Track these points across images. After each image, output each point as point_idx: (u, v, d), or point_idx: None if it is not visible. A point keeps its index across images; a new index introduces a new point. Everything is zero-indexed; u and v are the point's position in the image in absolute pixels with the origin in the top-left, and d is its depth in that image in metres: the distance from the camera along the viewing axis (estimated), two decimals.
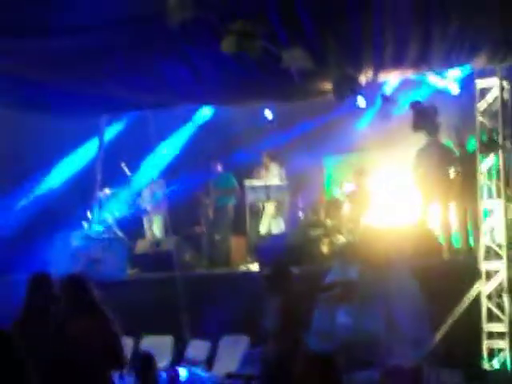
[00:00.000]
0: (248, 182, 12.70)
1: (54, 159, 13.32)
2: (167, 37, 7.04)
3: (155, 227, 13.50)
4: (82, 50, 7.47)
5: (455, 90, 11.06)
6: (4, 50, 7.63)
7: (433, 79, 10.97)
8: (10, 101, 9.48)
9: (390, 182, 11.18)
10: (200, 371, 9.75)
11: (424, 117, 10.04)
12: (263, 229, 12.67)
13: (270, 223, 12.68)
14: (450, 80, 10.96)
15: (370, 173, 11.70)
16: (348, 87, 8.03)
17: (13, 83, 8.68)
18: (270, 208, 12.70)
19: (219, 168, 13.08)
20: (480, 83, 9.25)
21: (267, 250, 11.19)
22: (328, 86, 8.23)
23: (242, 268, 12.05)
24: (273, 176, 12.58)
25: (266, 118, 12.29)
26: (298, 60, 7.00)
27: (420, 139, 10.62)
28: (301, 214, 12.57)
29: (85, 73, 8.20)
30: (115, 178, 13.10)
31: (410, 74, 9.10)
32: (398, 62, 8.00)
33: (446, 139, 10.75)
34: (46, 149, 12.68)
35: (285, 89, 8.52)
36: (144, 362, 6.95)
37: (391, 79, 9.61)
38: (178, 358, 10.58)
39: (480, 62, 8.22)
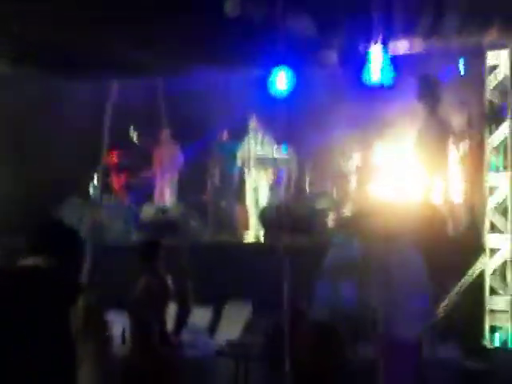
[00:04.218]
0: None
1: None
2: None
3: (163, 193, 13.48)
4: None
5: None
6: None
7: None
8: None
9: (397, 156, 11.12)
10: (202, 337, 9.83)
11: (427, 86, 10.01)
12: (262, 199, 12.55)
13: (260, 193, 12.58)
14: None
15: (377, 146, 11.65)
16: (354, 57, 7.98)
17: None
18: (262, 177, 12.59)
19: (225, 136, 13.05)
20: (489, 58, 9.19)
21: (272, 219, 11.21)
22: (334, 55, 8.17)
23: (248, 237, 12.09)
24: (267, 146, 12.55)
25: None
26: (302, 27, 6.95)
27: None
28: (307, 185, 12.53)
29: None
30: (123, 143, 13.05)
31: (421, 46, 9.01)
32: (408, 32, 7.94)
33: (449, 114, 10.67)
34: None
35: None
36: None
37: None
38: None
39: (491, 35, 8.17)
